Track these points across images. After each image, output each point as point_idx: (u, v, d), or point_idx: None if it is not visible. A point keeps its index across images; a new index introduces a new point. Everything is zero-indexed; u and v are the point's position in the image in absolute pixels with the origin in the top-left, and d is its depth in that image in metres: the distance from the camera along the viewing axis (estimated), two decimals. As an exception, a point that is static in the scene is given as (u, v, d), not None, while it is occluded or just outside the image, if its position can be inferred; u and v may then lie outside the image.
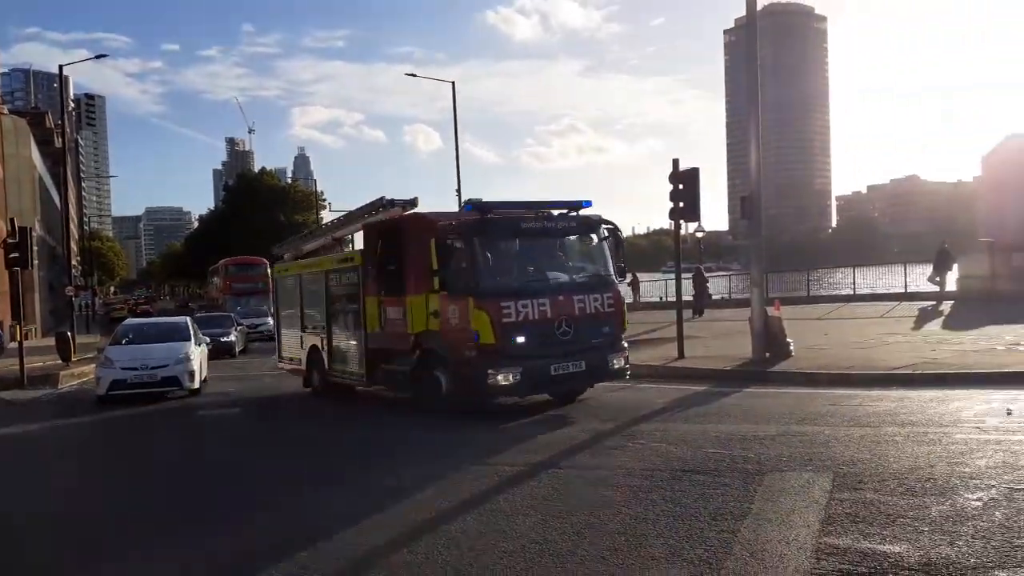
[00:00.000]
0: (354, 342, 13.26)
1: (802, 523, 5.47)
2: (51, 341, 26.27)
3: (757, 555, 4.96)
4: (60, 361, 22.96)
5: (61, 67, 33.98)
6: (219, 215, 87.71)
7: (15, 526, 7.08)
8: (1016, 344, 14.11)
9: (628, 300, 20.63)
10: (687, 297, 24.57)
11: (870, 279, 32.19)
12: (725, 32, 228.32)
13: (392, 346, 12.15)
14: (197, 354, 16.16)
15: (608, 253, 11.63)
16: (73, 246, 65.37)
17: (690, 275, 28.32)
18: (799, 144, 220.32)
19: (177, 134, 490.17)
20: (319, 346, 14.49)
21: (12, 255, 18.30)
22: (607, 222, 11.76)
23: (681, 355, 15.48)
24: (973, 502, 5.72)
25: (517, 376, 10.25)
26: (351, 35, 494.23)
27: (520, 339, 10.29)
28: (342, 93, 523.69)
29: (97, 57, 54.76)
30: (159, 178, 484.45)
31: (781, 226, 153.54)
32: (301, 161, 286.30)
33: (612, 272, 11.53)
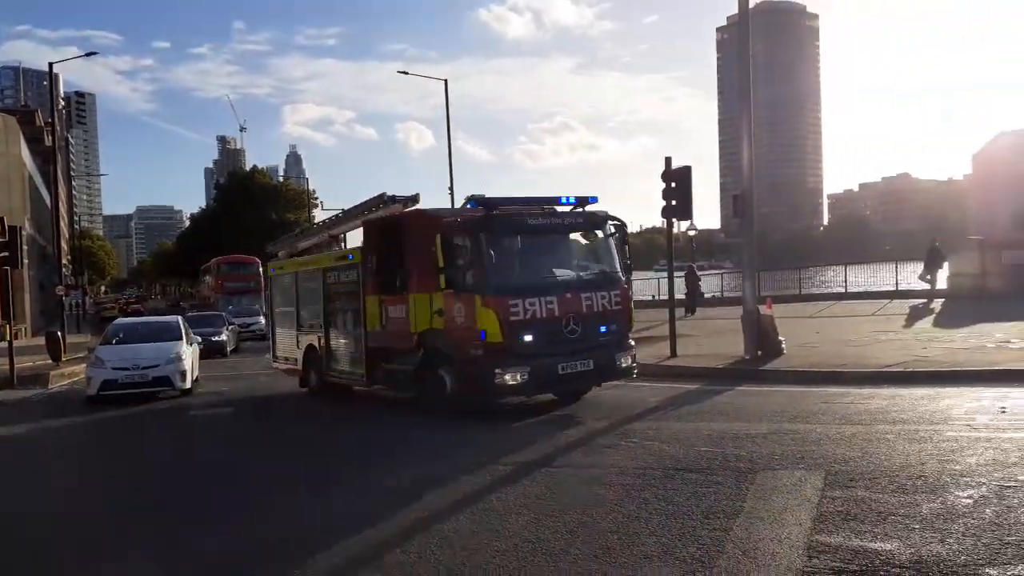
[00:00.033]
0: (353, 341, 13.06)
1: (794, 521, 5.49)
2: (41, 341, 26.12)
3: (749, 553, 4.97)
4: (50, 361, 22.85)
5: (51, 65, 33.85)
6: (211, 214, 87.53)
7: (9, 527, 7.04)
8: (1006, 342, 14.19)
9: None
10: (679, 295, 24.62)
11: (862, 277, 32.34)
12: (717, 30, 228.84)
13: (393, 345, 11.97)
14: (189, 354, 16.10)
15: (614, 249, 11.49)
16: (63, 245, 65.05)
17: (682, 273, 28.38)
18: (791, 142, 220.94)
19: (168, 132, 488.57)
20: (316, 345, 14.27)
21: (2, 254, 18.20)
22: (613, 218, 11.60)
23: (674, 353, 15.51)
24: (964, 500, 5.75)
25: (525, 375, 10.11)
26: (343, 33, 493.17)
27: (528, 338, 10.14)
28: (334, 91, 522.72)
29: (87, 55, 54.38)
30: (150, 177, 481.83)
31: (773, 224, 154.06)
32: (293, 159, 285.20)
33: (619, 269, 11.39)
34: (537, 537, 5.56)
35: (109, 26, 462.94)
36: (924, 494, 5.93)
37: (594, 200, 11.48)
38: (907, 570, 4.55)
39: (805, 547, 4.99)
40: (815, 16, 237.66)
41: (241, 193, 78.43)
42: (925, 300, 24.53)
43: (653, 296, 36.06)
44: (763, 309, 15.11)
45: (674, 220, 16.19)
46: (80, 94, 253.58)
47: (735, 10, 15.48)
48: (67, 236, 76.47)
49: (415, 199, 12.26)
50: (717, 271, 51.67)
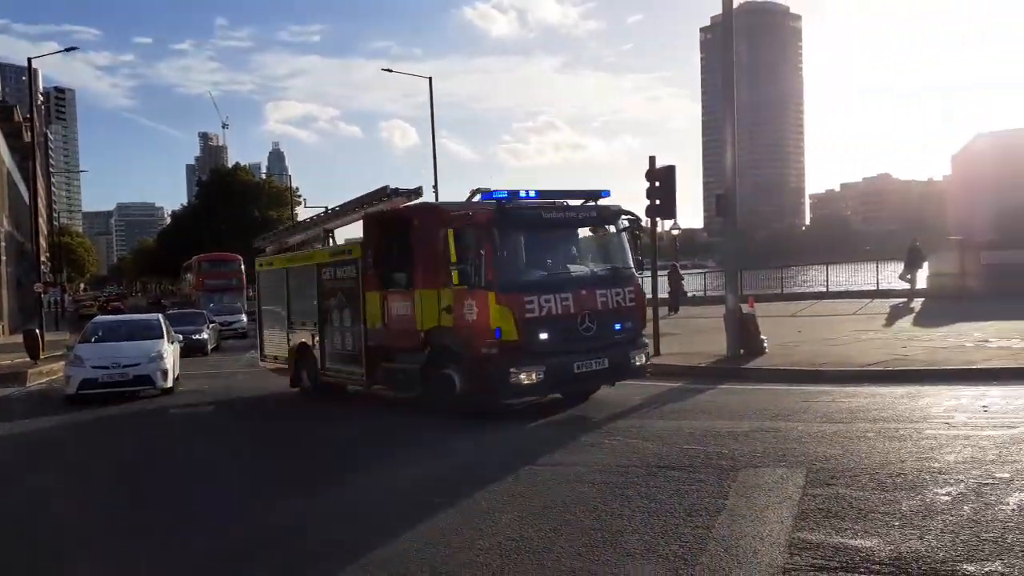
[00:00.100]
0: (352, 339, 12.57)
1: (776, 519, 5.52)
2: (19, 338, 25.82)
3: (731, 551, 5.00)
4: (28, 359, 22.58)
5: (30, 60, 33.34)
6: (192, 211, 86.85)
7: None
8: (984, 341, 14.35)
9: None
10: (663, 294, 24.70)
11: (843, 277, 32.54)
12: (701, 30, 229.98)
13: (395, 343, 11.53)
14: (170, 352, 15.95)
15: (627, 245, 11.25)
16: (42, 242, 64.32)
17: (666, 272, 28.47)
18: (774, 142, 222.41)
19: (149, 129, 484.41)
20: (310, 344, 13.77)
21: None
22: (627, 212, 11.33)
23: (657, 352, 15.54)
24: (942, 497, 5.81)
25: (541, 374, 9.81)
26: (327, 30, 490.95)
27: (543, 336, 9.86)
28: (317, 88, 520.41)
29: (67, 50, 53.76)
30: (131, 173, 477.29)
31: (756, 224, 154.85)
32: (276, 157, 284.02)
33: (632, 265, 11.16)
34: (521, 535, 5.57)
35: (89, 21, 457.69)
36: (904, 491, 5.99)
37: (606, 194, 11.23)
38: (887, 567, 4.59)
39: (787, 544, 5.02)
40: (798, 17, 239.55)
41: (223, 190, 77.85)
42: (905, 300, 24.75)
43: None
44: (745, 308, 15.20)
45: (658, 219, 16.24)
46: (60, 90, 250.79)
47: (719, 10, 15.54)
48: (46, 233, 75.66)
49: (419, 192, 11.90)
50: (700, 270, 51.80)
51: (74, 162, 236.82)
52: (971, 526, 5.14)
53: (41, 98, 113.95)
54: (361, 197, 13.08)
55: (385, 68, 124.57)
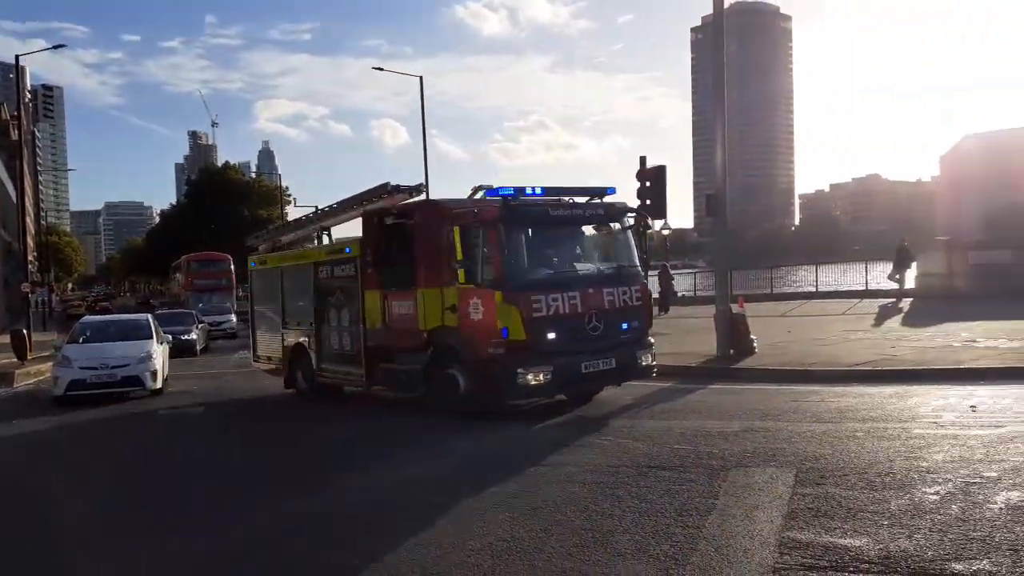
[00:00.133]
0: (350, 339, 12.35)
1: (766, 518, 5.55)
2: (6, 339, 25.65)
3: (722, 550, 5.01)
4: (15, 359, 22.44)
5: (17, 57, 33.14)
6: (181, 210, 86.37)
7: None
8: (972, 341, 14.45)
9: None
10: (653, 294, 24.73)
11: (832, 277, 32.71)
12: (692, 30, 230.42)
13: (396, 343, 11.33)
14: (159, 353, 15.86)
15: (633, 243, 11.11)
16: (29, 241, 63.90)
17: (656, 272, 28.53)
18: (764, 142, 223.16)
19: (138, 127, 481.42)
20: (306, 344, 13.51)
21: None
22: (633, 210, 11.23)
23: (647, 352, 15.57)
24: (931, 496, 5.85)
25: (548, 375, 9.65)
26: (317, 28, 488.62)
27: (551, 335, 9.71)
28: (307, 86, 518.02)
29: (55, 47, 53.53)
30: (119, 172, 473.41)
31: (746, 224, 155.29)
32: (265, 155, 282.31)
33: (638, 263, 11.02)
34: (512, 535, 5.57)
35: (77, 18, 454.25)
36: (892, 491, 6.03)
37: (612, 191, 11.12)
38: (876, 565, 4.62)
39: (777, 544, 5.04)
40: (788, 18, 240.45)
41: (213, 189, 77.51)
42: (894, 300, 24.89)
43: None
44: (735, 308, 15.26)
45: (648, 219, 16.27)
46: (47, 87, 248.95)
47: (710, 11, 15.60)
48: (33, 232, 75.14)
49: (420, 189, 11.72)
50: (690, 270, 51.94)
51: (62, 161, 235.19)
52: (959, 525, 5.18)
53: (28, 96, 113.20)
54: (360, 194, 12.85)
55: (376, 67, 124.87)
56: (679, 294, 33.09)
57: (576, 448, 8.34)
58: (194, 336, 26.50)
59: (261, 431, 11.84)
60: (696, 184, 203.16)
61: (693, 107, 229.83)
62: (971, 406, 9.20)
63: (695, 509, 5.87)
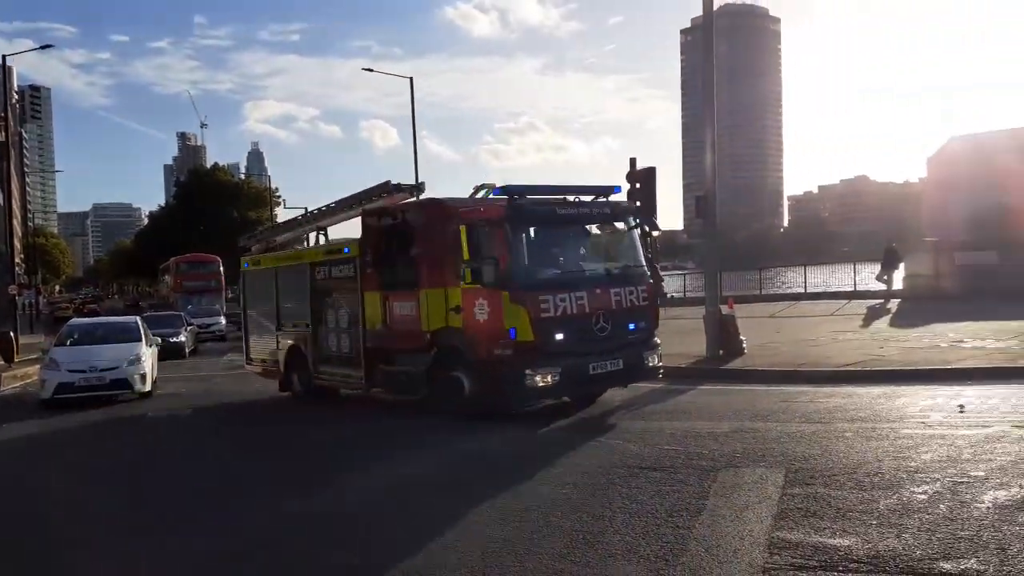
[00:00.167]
0: (349, 341, 12.14)
1: (755, 518, 5.57)
2: (-7, 341, 25.43)
3: (712, 550, 5.03)
4: (2, 362, 22.29)
5: (4, 57, 33.00)
6: (170, 212, 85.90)
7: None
8: (959, 341, 14.55)
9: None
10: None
11: (821, 278, 32.86)
12: (682, 32, 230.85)
13: (397, 345, 11.14)
14: (148, 355, 15.77)
15: (639, 243, 11.02)
16: (16, 243, 63.49)
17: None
18: (754, 144, 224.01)
19: (126, 128, 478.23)
20: (302, 346, 13.29)
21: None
22: (641, 209, 11.09)
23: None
24: (919, 495, 5.88)
25: (556, 376, 9.50)
26: (306, 29, 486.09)
27: (559, 336, 9.57)
28: (297, 87, 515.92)
29: (42, 47, 53.15)
30: (107, 173, 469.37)
31: (735, 225, 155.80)
32: (255, 157, 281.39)
33: (644, 263, 10.89)
34: (503, 537, 5.57)
35: (64, 18, 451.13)
36: (881, 490, 6.06)
37: (618, 190, 11.02)
38: (865, 565, 4.65)
39: (766, 544, 5.06)
40: (777, 20, 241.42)
41: (202, 191, 77.15)
42: (882, 300, 25.02)
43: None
44: (725, 309, 15.32)
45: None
46: (35, 88, 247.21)
47: (699, 12, 15.66)
48: (20, 234, 74.57)
49: (421, 188, 11.57)
50: (680, 271, 52.05)
51: (49, 162, 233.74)
52: (947, 524, 5.21)
53: (16, 96, 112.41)
54: (359, 193, 12.67)
55: (366, 68, 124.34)
56: (669, 295, 33.18)
57: (567, 449, 8.34)
58: (183, 338, 26.35)
59: (257, 433, 11.74)
60: (686, 186, 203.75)
61: (683, 109, 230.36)
62: (959, 406, 9.27)
63: (685, 510, 5.89)
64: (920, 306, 21.88)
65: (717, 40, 16.21)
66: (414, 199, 11.64)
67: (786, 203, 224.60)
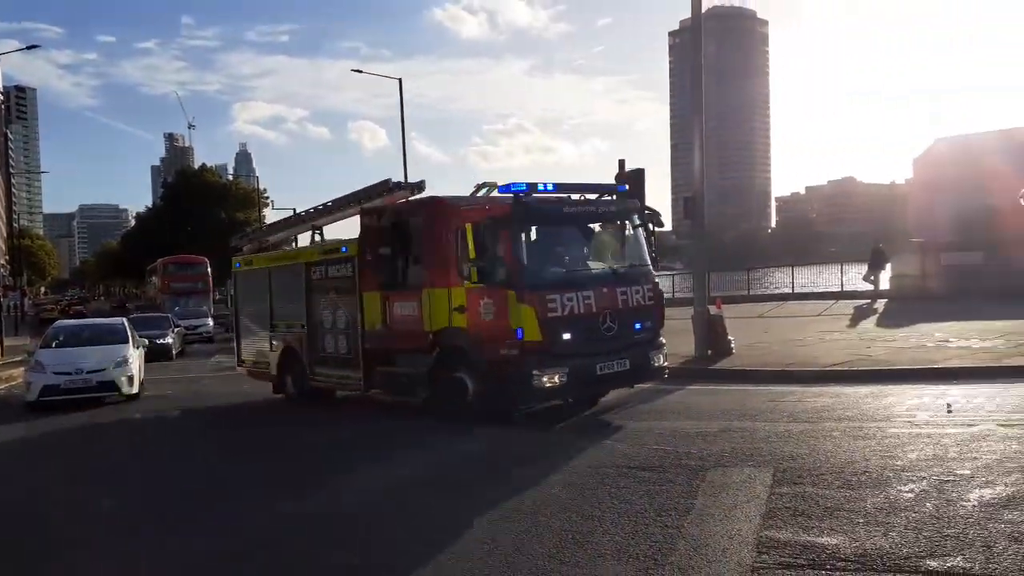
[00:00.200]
0: (346, 342, 11.95)
1: (744, 517, 5.59)
2: (-22, 343, 25.24)
3: (701, 550, 5.05)
4: (-12, 364, 22.11)
5: (-12, 58, 32.65)
6: (157, 213, 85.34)
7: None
8: (945, 341, 14.65)
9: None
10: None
11: (808, 278, 32.99)
12: (670, 34, 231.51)
13: (398, 346, 10.97)
14: (136, 357, 15.67)
15: (643, 241, 10.89)
16: (1, 244, 63.01)
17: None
18: (742, 146, 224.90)
19: (113, 129, 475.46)
20: (297, 348, 13.06)
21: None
22: (647, 208, 11.00)
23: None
24: (906, 494, 5.92)
25: (564, 377, 9.35)
26: (295, 29, 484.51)
27: (567, 336, 9.44)
28: (285, 88, 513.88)
29: (28, 48, 52.68)
30: (94, 174, 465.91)
31: (723, 226, 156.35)
32: (243, 158, 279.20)
33: (649, 262, 10.78)
34: (492, 537, 5.57)
35: (51, 18, 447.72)
36: (868, 489, 6.10)
37: (623, 188, 10.92)
38: (853, 563, 4.67)
39: (755, 543, 5.08)
40: (765, 22, 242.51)
41: (189, 192, 76.68)
42: (869, 301, 25.15)
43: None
44: (713, 309, 15.37)
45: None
46: (20, 88, 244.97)
47: (688, 14, 15.72)
48: (5, 235, 74.05)
49: (421, 186, 11.39)
50: (668, 272, 52.12)
51: (35, 163, 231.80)
52: (933, 522, 5.25)
53: (1, 97, 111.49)
54: (358, 192, 12.49)
55: (355, 69, 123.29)
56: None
57: (556, 449, 8.36)
58: (170, 340, 26.20)
59: (252, 435, 11.59)
60: (674, 187, 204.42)
61: (671, 110, 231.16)
62: (947, 405, 9.32)
63: (674, 509, 5.90)
64: (907, 306, 22.01)
65: (705, 42, 16.26)
66: (416, 197, 11.47)
67: (774, 204, 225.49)
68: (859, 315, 21.78)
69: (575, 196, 10.71)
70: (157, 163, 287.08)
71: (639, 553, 5.06)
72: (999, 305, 18.21)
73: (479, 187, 10.97)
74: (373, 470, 8.21)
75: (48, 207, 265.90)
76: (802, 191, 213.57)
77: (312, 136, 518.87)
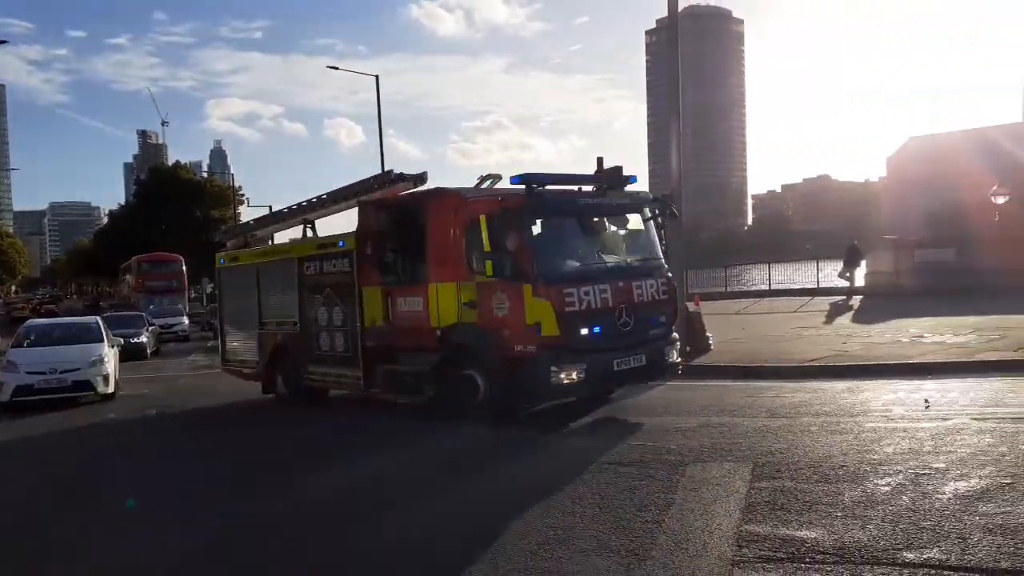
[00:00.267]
0: (344, 340, 11.48)
1: (724, 512, 5.63)
2: (-53, 343, 24.76)
3: (681, 544, 5.07)
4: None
5: (-44, 53, 32.04)
6: (131, 210, 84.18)
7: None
8: (919, 336, 14.86)
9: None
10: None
11: (784, 275, 33.32)
12: (647, 33, 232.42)
13: (401, 343, 10.57)
14: (111, 356, 15.47)
15: (655, 235, 10.62)
16: (-29, 243, 61.86)
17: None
18: (718, 144, 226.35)
19: (84, 126, 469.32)
20: (288, 346, 12.64)
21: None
22: (660, 200, 10.79)
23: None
24: (882, 488, 5.99)
25: (582, 373, 9.05)
26: (269, 26, 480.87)
27: (584, 331, 9.14)
28: (260, 85, 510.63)
29: (-4, 43, 51.61)
30: (65, 172, 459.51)
31: (700, 223, 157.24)
32: (217, 155, 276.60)
33: (661, 255, 10.52)
34: (474, 534, 5.56)
35: (20, 14, 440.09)
36: (846, 483, 6.16)
37: (634, 180, 10.67)
38: (831, 556, 4.72)
39: (735, 537, 5.12)
40: (740, 21, 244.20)
41: (163, 189, 75.71)
42: (844, 297, 25.46)
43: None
44: (691, 306, 15.46)
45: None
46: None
47: (664, 13, 15.77)
48: (-26, 233, 72.68)
49: (423, 178, 11.08)
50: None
51: (4, 160, 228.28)
52: (910, 515, 5.32)
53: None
54: (356, 183, 12.09)
55: (331, 66, 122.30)
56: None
57: (536, 445, 8.38)
58: (144, 339, 25.94)
59: (241, 435, 11.29)
60: (652, 185, 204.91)
61: (648, 108, 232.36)
62: (925, 400, 9.42)
63: (654, 504, 5.93)
64: (881, 302, 22.31)
65: (682, 41, 16.33)
66: (420, 189, 11.18)
67: (750, 202, 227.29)
68: (835, 311, 22.04)
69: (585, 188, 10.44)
70: (130, 160, 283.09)
71: (620, 548, 5.08)
72: (971, 301, 18.51)
73: (483, 179, 10.74)
74: (358, 466, 8.16)
75: (18, 204, 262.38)
76: (778, 189, 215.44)
77: (288, 133, 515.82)
